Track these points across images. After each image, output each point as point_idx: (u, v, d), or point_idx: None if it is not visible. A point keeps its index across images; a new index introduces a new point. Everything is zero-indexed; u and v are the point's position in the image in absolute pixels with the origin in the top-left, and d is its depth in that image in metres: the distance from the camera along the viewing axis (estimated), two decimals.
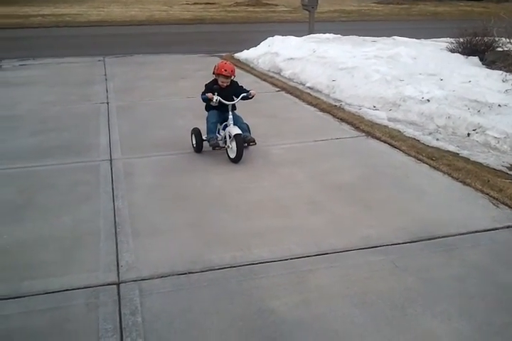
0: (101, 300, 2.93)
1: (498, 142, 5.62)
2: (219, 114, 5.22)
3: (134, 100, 7.75)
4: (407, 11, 26.44)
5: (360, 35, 12.41)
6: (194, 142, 5.42)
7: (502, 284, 3.07)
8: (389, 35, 12.33)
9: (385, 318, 2.75)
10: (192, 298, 2.92)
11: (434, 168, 4.86)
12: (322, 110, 7.03)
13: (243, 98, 5.18)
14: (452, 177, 4.64)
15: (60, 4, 26.50)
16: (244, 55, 11.53)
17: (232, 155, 5.07)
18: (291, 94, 7.99)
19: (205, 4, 28.46)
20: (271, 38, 11.77)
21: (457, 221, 3.81)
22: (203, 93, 5.15)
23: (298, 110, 7.15)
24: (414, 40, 11.80)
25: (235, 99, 5.18)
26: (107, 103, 7.57)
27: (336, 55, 9.34)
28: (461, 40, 9.76)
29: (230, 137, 5.02)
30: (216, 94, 5.03)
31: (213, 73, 5.17)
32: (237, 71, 10.27)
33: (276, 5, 28.32)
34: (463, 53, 9.47)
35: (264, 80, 9.07)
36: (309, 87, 8.38)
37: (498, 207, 4.06)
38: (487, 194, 4.26)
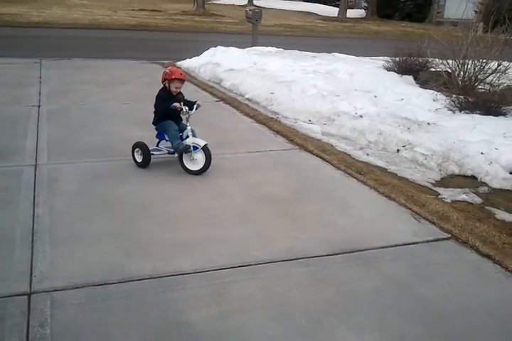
0: (9, 311, 2.78)
1: (426, 159, 5.82)
2: (174, 122, 5.06)
3: (68, 104, 7.52)
4: (350, 29, 27.19)
5: (302, 50, 12.63)
6: (140, 157, 5.07)
7: (417, 297, 3.15)
8: (330, 52, 12.62)
9: (300, 330, 2.76)
10: (106, 310, 2.83)
11: (362, 182, 4.97)
12: (259, 122, 7.07)
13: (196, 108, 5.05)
14: (378, 191, 4.75)
15: None
16: (186, 63, 11.48)
17: (196, 167, 4.93)
18: (229, 104, 8.00)
19: (150, 11, 28.17)
20: (213, 48, 11.77)
21: (379, 235, 3.90)
22: (160, 104, 4.98)
23: (235, 121, 7.16)
24: (353, 57, 12.12)
25: (186, 108, 4.97)
26: (38, 106, 7.30)
27: (275, 69, 9.44)
28: (397, 59, 10.11)
29: (194, 148, 4.88)
30: (182, 103, 4.91)
31: (163, 80, 5.00)
32: None
33: (223, 16, 28.42)
34: (398, 72, 9.79)
35: (204, 90, 9.05)
36: (248, 99, 8.42)
37: (419, 221, 4.19)
38: (410, 209, 4.39)
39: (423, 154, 5.85)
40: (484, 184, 5.20)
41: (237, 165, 5.29)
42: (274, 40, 16.17)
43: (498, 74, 8.26)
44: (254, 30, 13.98)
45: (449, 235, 3.93)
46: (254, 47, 12.55)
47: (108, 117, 6.90)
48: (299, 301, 3.03)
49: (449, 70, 8.63)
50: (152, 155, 5.07)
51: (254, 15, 13.44)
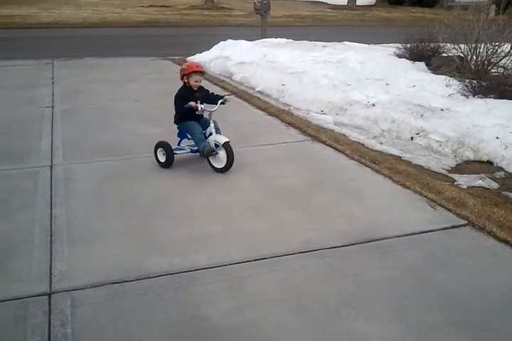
0: (30, 312, 2.83)
1: (440, 145, 5.77)
2: (197, 123, 4.95)
3: (80, 104, 7.59)
4: (361, 17, 26.94)
5: (312, 40, 12.54)
6: (163, 157, 4.98)
7: (434, 285, 3.13)
8: (341, 40, 12.51)
9: (318, 322, 2.77)
10: (125, 308, 2.86)
11: (376, 171, 4.95)
12: (271, 114, 7.06)
13: (221, 103, 4.96)
14: (393, 180, 4.72)
15: (8, 5, 25.75)
16: (196, 58, 11.47)
17: (220, 165, 4.85)
18: (241, 98, 7.99)
19: (160, 7, 28.19)
20: (223, 41, 11.76)
21: (395, 223, 3.88)
22: (178, 103, 4.88)
23: (247, 114, 7.16)
24: (363, 45, 12.01)
25: (209, 105, 4.86)
26: (52, 107, 7.38)
27: (286, 60, 9.40)
28: (409, 45, 9.99)
29: (216, 146, 4.79)
30: (199, 102, 4.76)
31: (182, 77, 4.93)
32: None
33: (232, 9, 28.35)
34: (410, 58, 9.68)
35: (215, 84, 9.04)
36: (259, 91, 8.41)
37: (435, 209, 4.15)
38: (425, 196, 4.36)
39: (437, 141, 5.79)
40: (501, 169, 5.14)
41: (250, 159, 5.28)
42: (284, 31, 16.07)
43: (511, 57, 8.13)
44: (263, 21, 13.92)
45: (466, 221, 3.90)
46: (263, 39, 12.51)
47: (120, 115, 6.95)
48: (316, 293, 3.03)
49: (461, 55, 8.51)
50: (175, 155, 5.01)
51: (263, 6, 13.38)
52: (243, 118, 6.88)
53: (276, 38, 12.71)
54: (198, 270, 3.24)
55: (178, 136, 5.16)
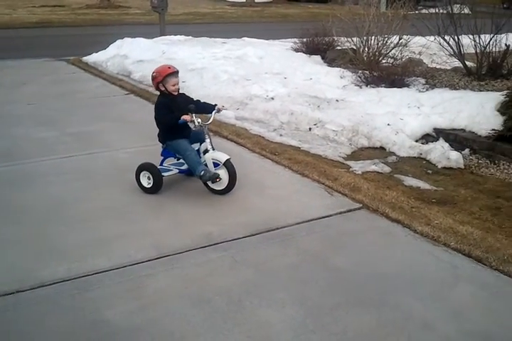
0: None
1: (336, 135, 5.98)
2: (188, 140, 4.28)
3: None
4: (260, 14, 27.27)
5: (213, 37, 12.55)
6: (148, 181, 4.29)
7: (333, 267, 3.25)
8: (240, 37, 12.61)
9: (221, 313, 2.78)
10: (19, 320, 2.71)
11: (276, 162, 5.04)
12: None
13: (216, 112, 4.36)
14: (292, 170, 4.84)
15: None
16: (93, 58, 11.10)
17: (220, 187, 4.23)
18: (140, 96, 7.82)
19: (52, 7, 26.88)
20: (120, 40, 11.45)
21: (295, 211, 3.98)
22: (164, 116, 4.17)
23: (146, 113, 6.89)
24: (262, 40, 12.18)
25: (199, 121, 4.10)
26: None
27: (185, 57, 9.34)
28: (305, 40, 10.28)
29: (215, 165, 4.17)
30: (194, 115, 4.10)
31: (157, 86, 4.24)
32: (85, 75, 9.96)
33: (129, 7, 27.64)
34: (306, 52, 9.96)
35: (113, 83, 8.79)
36: None
37: (332, 195, 4.31)
38: (323, 184, 4.51)
39: (333, 130, 6.00)
40: (392, 153, 5.43)
41: (150, 158, 5.12)
42: (184, 28, 15.93)
43: (400, 48, 8.60)
44: (161, 19, 13.69)
45: (361, 205, 4.08)
46: (162, 37, 12.33)
47: (13, 119, 6.56)
48: (220, 285, 3.04)
49: (354, 47, 8.88)
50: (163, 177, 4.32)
51: (160, 4, 13.15)
52: (143, 117, 6.70)
53: (175, 35, 12.58)
54: (97, 273, 3.14)
55: (162, 155, 4.49)
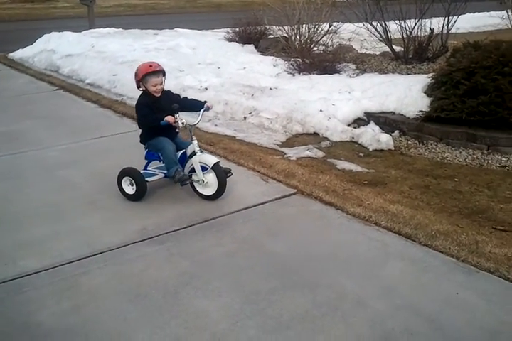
0: None
1: (271, 122, 6.02)
2: (169, 139, 4.00)
3: None
4: (193, 4, 27.01)
5: (144, 29, 12.31)
6: (131, 188, 4.01)
7: (269, 253, 3.27)
8: (173, 28, 12.43)
9: (158, 307, 2.75)
10: None
11: (212, 152, 5.00)
12: (103, 106, 6.83)
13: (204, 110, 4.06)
14: (228, 159, 4.83)
15: None
16: (19, 54, 10.69)
17: (208, 192, 3.97)
18: (70, 92, 7.61)
19: None
20: (47, 34, 11.08)
21: (231, 200, 3.98)
22: (145, 116, 3.88)
23: (77, 108, 6.84)
24: (195, 31, 12.07)
25: (188, 118, 3.92)
26: None
27: (116, 49, 9.13)
28: (237, 29, 10.25)
29: (203, 169, 3.92)
30: (178, 115, 3.80)
31: (138, 84, 3.93)
32: (11, 72, 9.55)
33: (57, 1, 26.72)
34: (239, 42, 9.95)
35: (41, 79, 8.49)
36: (89, 84, 8.07)
37: (267, 182, 4.34)
38: (258, 171, 4.54)
39: (268, 118, 6.04)
40: (326, 139, 5.52)
41: (82, 154, 5.07)
42: (115, 21, 15.55)
43: (330, 35, 8.72)
44: (90, 11, 13.32)
45: (295, 190, 4.13)
46: (91, 30, 12.00)
47: None
48: (156, 279, 3.01)
49: (286, 35, 8.93)
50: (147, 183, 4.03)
51: None
52: (73, 113, 6.56)
53: (105, 28, 12.26)
54: (27, 275, 3.04)
55: (146, 158, 4.23)
